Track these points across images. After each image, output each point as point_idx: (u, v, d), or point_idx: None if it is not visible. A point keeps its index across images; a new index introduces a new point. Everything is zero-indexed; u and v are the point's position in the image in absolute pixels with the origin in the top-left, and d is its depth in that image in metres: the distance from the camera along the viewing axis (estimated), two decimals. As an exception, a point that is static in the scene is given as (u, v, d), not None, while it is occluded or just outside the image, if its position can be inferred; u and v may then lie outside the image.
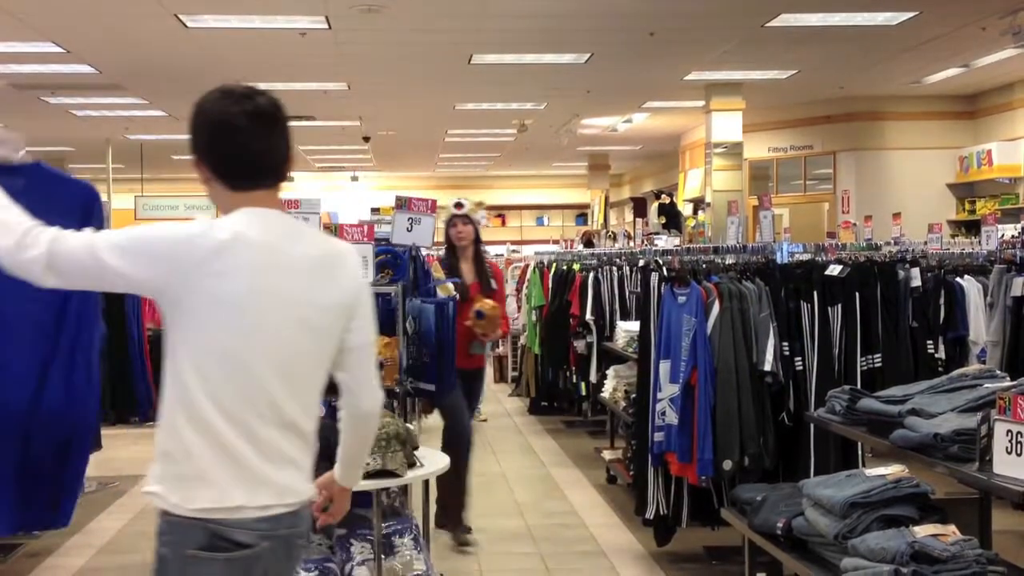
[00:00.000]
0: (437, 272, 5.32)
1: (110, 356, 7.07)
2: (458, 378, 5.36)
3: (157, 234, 2.13)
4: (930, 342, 5.46)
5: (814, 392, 4.80)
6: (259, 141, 2.20)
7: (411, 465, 3.62)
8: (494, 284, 5.85)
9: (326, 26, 9.03)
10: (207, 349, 2.11)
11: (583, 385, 8.12)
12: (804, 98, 13.56)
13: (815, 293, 4.89)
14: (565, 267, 8.88)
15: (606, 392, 6.86)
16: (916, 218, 9.25)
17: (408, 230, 4.53)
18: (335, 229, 4.05)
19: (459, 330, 5.22)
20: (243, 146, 2.18)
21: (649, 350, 5.10)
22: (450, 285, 7.36)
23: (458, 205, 5.69)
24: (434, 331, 4.30)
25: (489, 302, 5.54)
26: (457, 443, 5.43)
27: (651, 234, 12.28)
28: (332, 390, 3.88)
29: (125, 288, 2.19)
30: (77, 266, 2.07)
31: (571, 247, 11.54)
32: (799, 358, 4.87)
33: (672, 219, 14.46)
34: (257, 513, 2.09)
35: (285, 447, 2.16)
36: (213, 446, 2.09)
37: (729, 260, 5.24)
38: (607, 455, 7.06)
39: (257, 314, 2.14)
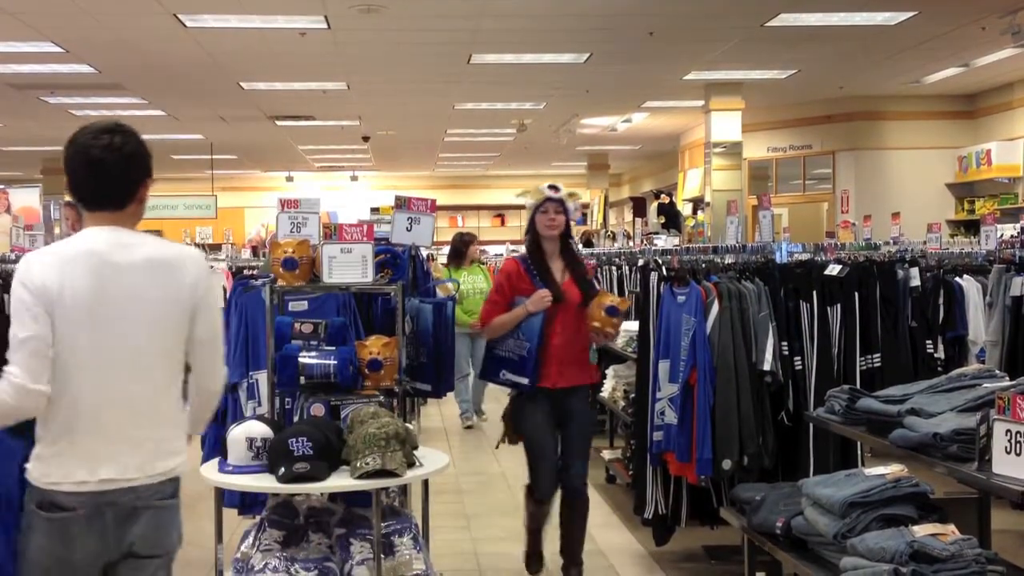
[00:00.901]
0: (436, 272, 5.29)
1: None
2: (553, 405, 4.62)
3: (16, 295, 2.54)
4: (929, 342, 5.45)
5: (813, 392, 4.81)
6: (110, 172, 2.63)
7: (410, 465, 3.61)
8: (597, 286, 4.91)
9: (325, 26, 9.03)
10: (66, 353, 2.52)
11: (582, 385, 8.10)
12: (803, 98, 13.56)
13: (814, 293, 4.89)
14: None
15: (605, 391, 6.85)
16: (915, 218, 9.24)
17: (407, 230, 4.52)
18: (334, 229, 4.04)
19: (556, 341, 4.55)
20: (95, 176, 2.63)
21: (648, 350, 5.10)
22: (449, 285, 7.32)
23: (553, 188, 4.66)
24: (431, 331, 4.30)
25: (619, 297, 4.81)
26: (571, 504, 4.76)
27: (650, 234, 12.28)
28: (328, 389, 3.90)
29: (54, 344, 2.52)
30: (25, 368, 2.48)
31: (570, 247, 11.50)
32: (798, 358, 4.87)
33: (671, 219, 14.46)
34: (75, 488, 2.53)
35: (138, 427, 2.59)
36: (55, 435, 2.55)
37: (728, 260, 5.24)
38: (606, 455, 7.06)
39: (97, 314, 2.54)
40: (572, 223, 4.76)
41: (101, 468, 2.54)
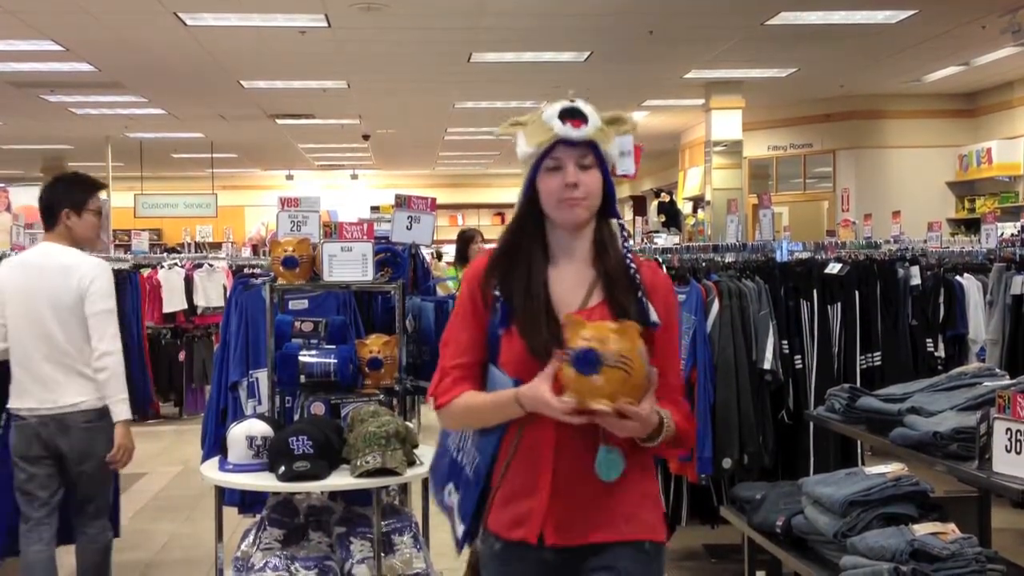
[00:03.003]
0: (437, 271, 5.23)
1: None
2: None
3: None
4: (929, 340, 5.45)
5: (814, 390, 4.81)
6: (42, 209, 4.09)
7: (411, 463, 3.61)
8: (654, 315, 2.13)
9: (326, 24, 9.03)
10: (11, 325, 3.99)
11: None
12: (804, 96, 13.56)
13: (815, 291, 4.89)
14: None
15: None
16: (916, 216, 9.24)
17: (408, 228, 4.51)
18: (334, 227, 4.04)
19: (560, 451, 2.09)
20: (40, 208, 4.10)
21: (649, 348, 5.08)
22: (450, 283, 7.26)
23: (572, 116, 2.13)
24: (434, 329, 4.29)
25: (610, 324, 2.02)
26: None
27: (651, 232, 12.28)
28: (328, 388, 3.90)
29: (7, 319, 4.02)
30: None
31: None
32: (799, 356, 4.87)
33: (672, 217, 14.47)
34: (29, 413, 3.95)
35: (54, 375, 3.93)
36: (15, 380, 4.00)
37: (729, 258, 5.24)
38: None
39: (23, 303, 3.96)
40: (618, 178, 2.31)
41: (26, 400, 3.96)
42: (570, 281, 2.16)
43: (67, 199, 4.05)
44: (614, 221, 2.23)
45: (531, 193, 2.18)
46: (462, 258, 8.87)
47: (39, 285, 3.93)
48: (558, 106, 2.15)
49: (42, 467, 3.97)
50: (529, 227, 2.21)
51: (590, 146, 2.14)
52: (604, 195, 2.19)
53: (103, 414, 3.94)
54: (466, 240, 8.92)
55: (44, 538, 3.99)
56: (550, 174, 2.14)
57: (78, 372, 3.94)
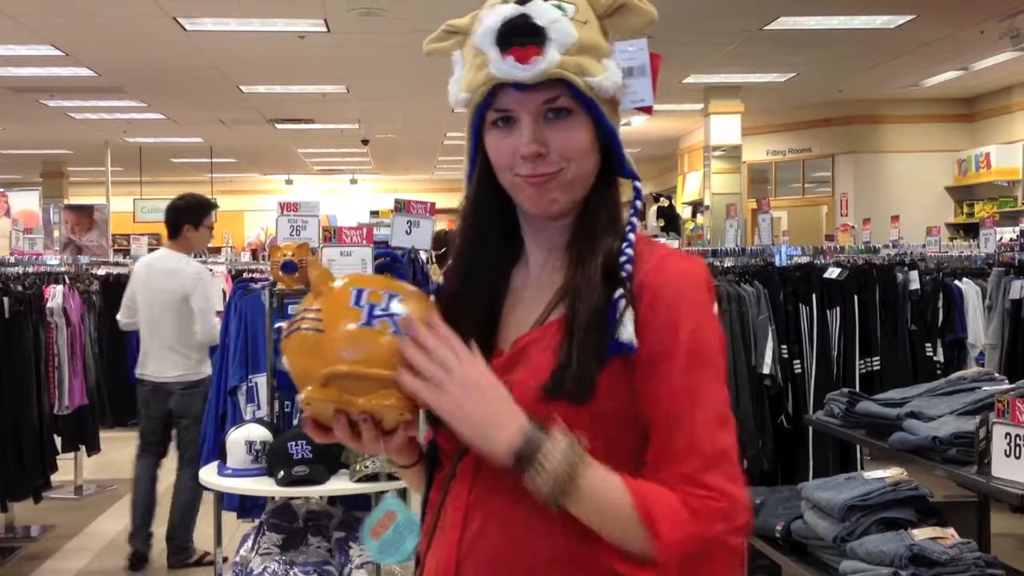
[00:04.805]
0: (436, 275, 5.22)
1: (109, 357, 7.07)
2: None
3: None
4: (928, 345, 5.46)
5: (813, 395, 4.81)
6: (166, 221, 5.27)
7: (410, 468, 3.61)
8: (626, 333, 1.23)
9: (325, 29, 9.04)
10: (139, 313, 5.20)
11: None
12: (803, 101, 13.57)
13: (814, 296, 4.90)
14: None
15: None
16: (914, 221, 9.26)
17: (407, 233, 4.51)
18: (334, 232, 4.05)
19: (472, 536, 1.25)
20: (166, 220, 5.29)
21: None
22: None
23: (519, 42, 1.26)
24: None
25: (409, 287, 1.26)
26: None
27: (650, 237, 12.29)
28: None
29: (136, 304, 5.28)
30: (121, 313, 5.49)
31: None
32: (798, 361, 4.87)
33: (671, 222, 14.47)
34: (146, 378, 5.15)
35: (161, 351, 5.10)
36: (141, 353, 5.23)
37: (728, 263, 5.24)
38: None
39: (145, 294, 5.15)
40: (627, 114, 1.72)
41: (144, 369, 5.17)
42: (533, 290, 1.35)
43: (189, 216, 5.18)
44: (626, 183, 1.42)
45: (481, 157, 1.35)
46: (440, 261, 8.78)
47: (155, 282, 5.11)
48: (495, 17, 1.31)
49: (152, 420, 5.22)
50: (485, 210, 1.37)
51: (562, 82, 1.26)
52: (604, 152, 1.35)
53: (196, 384, 5.10)
54: (439, 241, 8.73)
55: (149, 464, 5.26)
56: (498, 132, 1.31)
57: (177, 352, 5.08)
